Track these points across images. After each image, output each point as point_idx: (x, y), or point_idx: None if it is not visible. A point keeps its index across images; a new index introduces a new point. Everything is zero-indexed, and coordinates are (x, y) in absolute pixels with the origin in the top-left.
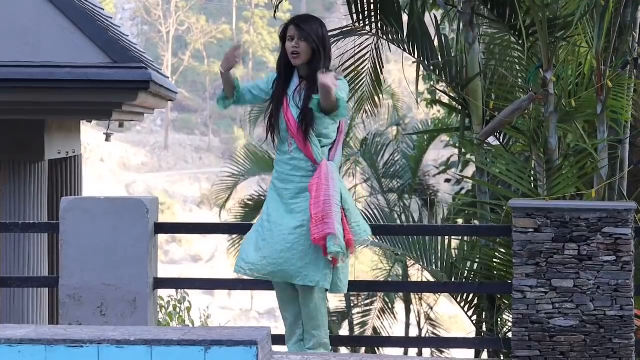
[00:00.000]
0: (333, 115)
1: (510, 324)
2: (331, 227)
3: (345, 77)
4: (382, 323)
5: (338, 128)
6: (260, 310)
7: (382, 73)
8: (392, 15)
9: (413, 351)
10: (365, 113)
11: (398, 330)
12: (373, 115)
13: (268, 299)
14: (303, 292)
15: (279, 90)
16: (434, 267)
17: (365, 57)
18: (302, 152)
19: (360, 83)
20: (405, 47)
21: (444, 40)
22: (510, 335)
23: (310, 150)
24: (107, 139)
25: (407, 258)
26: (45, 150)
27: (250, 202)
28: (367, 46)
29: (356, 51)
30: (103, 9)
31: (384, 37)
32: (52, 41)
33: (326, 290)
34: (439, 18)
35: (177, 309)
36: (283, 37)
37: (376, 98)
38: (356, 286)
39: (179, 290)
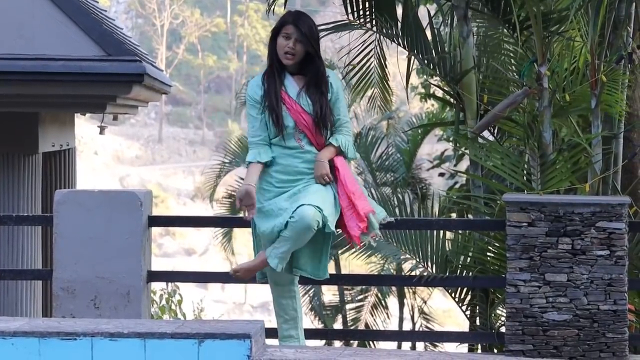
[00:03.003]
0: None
1: (503, 318)
2: (370, 206)
3: (352, 73)
4: (374, 320)
5: None
6: (254, 303)
7: (385, 67)
8: (386, 9)
9: (406, 345)
10: (379, 108)
11: (391, 325)
12: (370, 109)
13: (262, 293)
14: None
15: (274, 87)
16: (427, 261)
17: (370, 53)
18: (314, 146)
19: (365, 78)
20: (400, 41)
21: (437, 35)
22: (503, 329)
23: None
24: (101, 132)
25: (401, 252)
26: (39, 143)
27: (233, 193)
28: (369, 37)
29: (357, 44)
30: (97, 2)
31: (379, 31)
32: (47, 34)
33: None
34: (432, 12)
35: (169, 303)
36: (277, 31)
37: (385, 93)
38: (350, 279)
39: (169, 284)
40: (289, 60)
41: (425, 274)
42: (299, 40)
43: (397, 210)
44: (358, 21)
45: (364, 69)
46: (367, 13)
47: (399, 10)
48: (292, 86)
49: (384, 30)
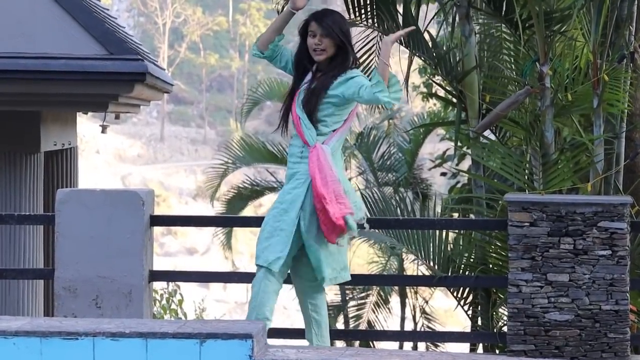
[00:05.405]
0: (387, 96)
1: (505, 318)
2: (348, 206)
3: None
4: (376, 317)
5: (345, 120)
6: None
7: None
8: (388, 7)
9: (408, 345)
10: (379, 107)
11: (393, 324)
12: (371, 108)
13: None
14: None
15: (293, 86)
16: (429, 261)
17: (372, 49)
18: (298, 136)
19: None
20: (401, 39)
21: (436, 35)
22: (505, 329)
23: (302, 132)
24: (102, 131)
25: (403, 251)
26: (41, 141)
27: (234, 192)
28: (371, 34)
29: (358, 40)
30: (99, 0)
31: (380, 30)
32: (48, 32)
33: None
34: (434, 11)
35: (170, 302)
36: (303, 33)
37: None
38: (352, 279)
39: (170, 283)
40: (320, 56)
41: (425, 272)
42: (324, 35)
43: (398, 210)
44: (359, 19)
45: (365, 67)
46: (369, 10)
47: (400, 9)
48: (308, 81)
49: (386, 28)
